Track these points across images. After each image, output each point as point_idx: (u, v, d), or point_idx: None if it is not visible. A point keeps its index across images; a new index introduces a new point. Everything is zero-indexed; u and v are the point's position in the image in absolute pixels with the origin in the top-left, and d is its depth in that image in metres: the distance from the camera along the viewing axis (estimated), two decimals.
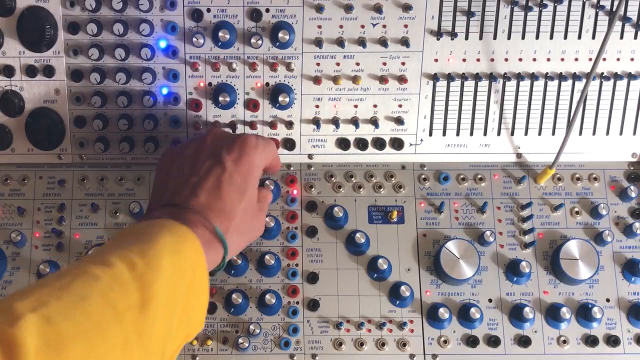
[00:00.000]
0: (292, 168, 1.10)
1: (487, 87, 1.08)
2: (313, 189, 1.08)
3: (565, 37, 1.06)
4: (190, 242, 0.81)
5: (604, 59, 1.06)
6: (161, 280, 0.75)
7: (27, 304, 0.66)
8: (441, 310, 1.01)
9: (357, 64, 1.07)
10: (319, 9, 1.04)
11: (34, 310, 0.65)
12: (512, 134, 1.10)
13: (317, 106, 1.08)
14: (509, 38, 1.06)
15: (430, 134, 1.10)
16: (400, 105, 1.09)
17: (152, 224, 0.82)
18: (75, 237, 1.05)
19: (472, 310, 1.01)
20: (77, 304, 0.69)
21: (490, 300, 1.04)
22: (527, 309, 1.01)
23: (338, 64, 1.07)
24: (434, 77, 1.07)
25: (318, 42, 1.05)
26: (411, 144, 1.10)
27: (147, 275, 0.74)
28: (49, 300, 0.68)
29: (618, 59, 1.07)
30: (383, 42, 1.05)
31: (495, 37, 1.06)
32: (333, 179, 1.09)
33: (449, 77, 1.07)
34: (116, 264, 0.74)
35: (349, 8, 1.03)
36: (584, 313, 1.03)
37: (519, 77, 1.07)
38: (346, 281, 1.04)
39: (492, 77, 1.07)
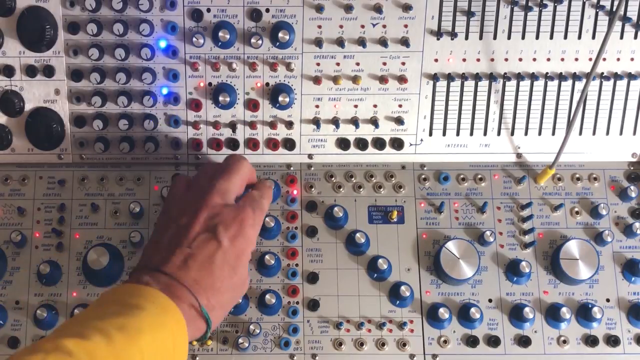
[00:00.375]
0: (292, 168, 1.10)
1: (487, 87, 1.08)
2: (313, 189, 1.08)
3: (565, 37, 1.06)
4: (173, 317, 0.80)
5: (604, 59, 1.06)
6: (139, 358, 0.74)
7: None
8: (441, 310, 1.01)
9: (357, 64, 1.07)
10: (319, 9, 1.04)
11: None
12: (512, 134, 1.10)
13: (317, 106, 1.08)
14: (509, 38, 1.06)
15: (430, 134, 1.10)
16: (400, 105, 1.09)
17: (137, 292, 0.81)
18: (75, 237, 1.05)
19: (472, 310, 1.01)
20: None
21: (490, 300, 1.04)
22: (527, 309, 1.01)
23: (338, 64, 1.07)
24: (434, 77, 1.07)
25: (318, 42, 1.05)
26: (411, 144, 1.10)
27: (125, 352, 0.73)
28: None
29: (618, 59, 1.07)
30: (383, 42, 1.05)
31: (495, 37, 1.06)
32: (333, 179, 1.09)
33: (449, 77, 1.07)
34: (93, 337, 0.72)
35: (349, 8, 1.03)
36: (584, 313, 1.03)
37: (519, 77, 1.07)
38: (346, 281, 1.04)
39: (492, 77, 1.07)
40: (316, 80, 1.07)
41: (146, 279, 0.84)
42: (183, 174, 1.07)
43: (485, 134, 1.10)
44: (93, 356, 0.71)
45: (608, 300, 1.04)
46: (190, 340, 0.84)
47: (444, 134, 1.10)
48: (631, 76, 1.07)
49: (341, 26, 1.05)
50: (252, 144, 1.09)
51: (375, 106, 1.09)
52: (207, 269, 0.86)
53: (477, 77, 1.07)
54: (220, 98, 1.05)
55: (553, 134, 1.10)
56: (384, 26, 1.05)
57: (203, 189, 0.93)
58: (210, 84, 1.07)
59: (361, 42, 1.05)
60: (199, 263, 0.86)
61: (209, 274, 0.86)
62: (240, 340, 1.00)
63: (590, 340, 1.02)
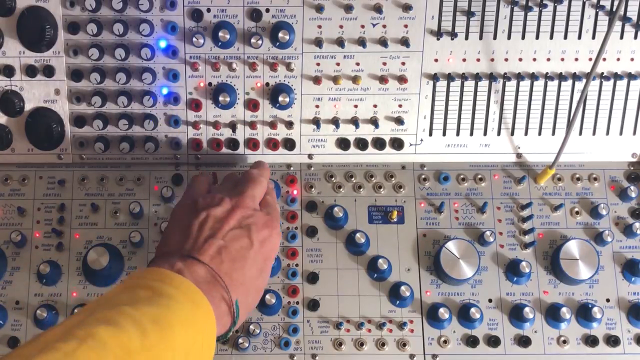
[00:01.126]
0: (292, 168, 1.10)
1: (487, 87, 1.08)
2: (313, 189, 1.08)
3: (565, 37, 1.06)
4: (205, 313, 0.78)
5: (604, 59, 1.06)
6: (173, 355, 0.72)
7: None
8: (441, 310, 1.01)
9: (357, 64, 1.07)
10: (319, 9, 1.04)
11: None
12: (512, 134, 1.10)
13: (317, 106, 1.08)
14: (509, 38, 1.06)
15: (430, 134, 1.10)
16: (400, 105, 1.09)
17: (169, 280, 0.78)
18: (75, 237, 1.05)
19: (472, 310, 1.01)
20: None
21: (490, 300, 1.04)
22: (527, 309, 1.01)
23: (338, 64, 1.07)
24: (434, 77, 1.07)
25: (318, 42, 1.05)
26: (411, 144, 1.10)
27: (158, 348, 0.71)
28: None
29: (618, 59, 1.07)
30: (383, 42, 1.05)
31: (495, 37, 1.06)
32: (333, 179, 1.09)
33: (449, 77, 1.07)
34: (127, 328, 0.69)
35: (349, 8, 1.03)
36: (584, 313, 1.03)
37: (519, 77, 1.07)
38: (346, 281, 1.04)
39: (492, 77, 1.07)
40: (316, 80, 1.07)
41: (179, 266, 0.82)
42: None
43: (485, 134, 1.10)
44: (127, 350, 0.68)
45: (608, 300, 1.04)
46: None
47: (444, 134, 1.10)
48: (631, 76, 1.07)
49: (341, 26, 1.05)
50: (252, 144, 1.09)
51: (375, 106, 1.09)
52: (240, 264, 0.86)
53: (477, 77, 1.07)
54: (220, 98, 1.05)
55: (553, 134, 1.10)
56: (384, 26, 1.05)
57: (234, 190, 0.94)
58: (210, 84, 1.07)
59: (361, 42, 1.05)
60: (231, 257, 0.85)
61: (240, 269, 0.86)
62: (240, 340, 1.00)
63: (590, 340, 1.02)
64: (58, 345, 0.65)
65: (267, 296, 1.01)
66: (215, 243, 0.86)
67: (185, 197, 0.96)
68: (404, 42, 1.05)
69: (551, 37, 1.06)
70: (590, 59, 1.07)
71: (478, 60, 1.07)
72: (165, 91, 1.07)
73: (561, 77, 1.07)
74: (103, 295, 0.79)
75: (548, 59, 1.07)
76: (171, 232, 0.91)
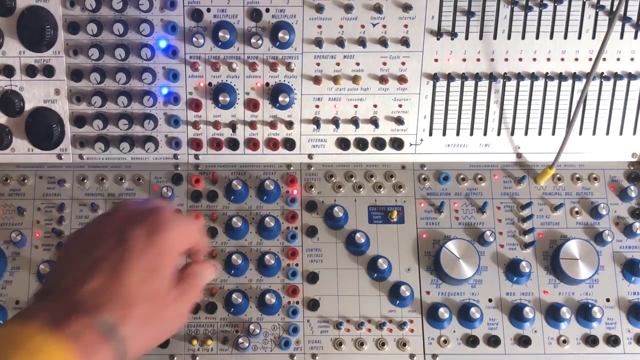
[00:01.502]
0: (292, 168, 1.10)
1: (487, 87, 1.08)
2: (313, 189, 1.08)
3: (565, 37, 1.06)
4: (47, 357, 0.64)
5: (604, 59, 1.06)
6: None
7: None
8: (441, 310, 1.01)
9: (357, 64, 1.07)
10: (319, 9, 1.04)
11: None
12: (512, 134, 1.10)
13: (317, 106, 1.08)
14: (509, 38, 1.06)
15: (430, 134, 1.10)
16: (400, 105, 1.09)
17: (4, 338, 0.65)
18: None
19: (472, 310, 1.01)
20: None
21: (490, 300, 1.04)
22: (527, 309, 1.01)
23: (338, 64, 1.07)
24: (434, 77, 1.07)
25: (318, 42, 1.05)
26: (411, 144, 1.10)
27: None
28: None
29: (618, 59, 1.07)
30: (383, 42, 1.05)
31: (495, 37, 1.06)
32: (333, 179, 1.09)
33: (449, 77, 1.07)
34: None
35: (349, 8, 1.03)
36: (584, 313, 1.03)
37: (519, 77, 1.07)
38: (346, 281, 1.04)
39: (492, 77, 1.07)
40: (316, 80, 1.07)
41: (28, 312, 0.69)
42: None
43: (485, 134, 1.10)
44: None
45: (608, 300, 1.04)
46: None
47: (444, 134, 1.10)
48: (631, 76, 1.07)
49: (341, 26, 1.05)
50: (252, 144, 1.09)
51: (375, 106, 1.09)
52: (112, 275, 0.71)
53: (477, 77, 1.07)
54: (220, 98, 1.05)
55: (553, 134, 1.10)
56: (384, 26, 1.05)
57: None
58: (210, 84, 1.07)
59: (361, 42, 1.05)
60: (102, 271, 0.71)
61: (114, 278, 0.70)
62: (240, 340, 1.00)
63: (590, 340, 1.02)
64: None
65: (267, 296, 1.01)
66: (81, 265, 0.72)
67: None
68: (404, 42, 1.05)
69: (551, 37, 1.06)
70: (590, 59, 1.07)
71: (478, 60, 1.07)
72: (165, 91, 1.07)
73: (561, 77, 1.07)
74: None
75: (548, 59, 1.07)
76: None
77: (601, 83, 1.08)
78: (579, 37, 1.06)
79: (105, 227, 0.75)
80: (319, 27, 1.05)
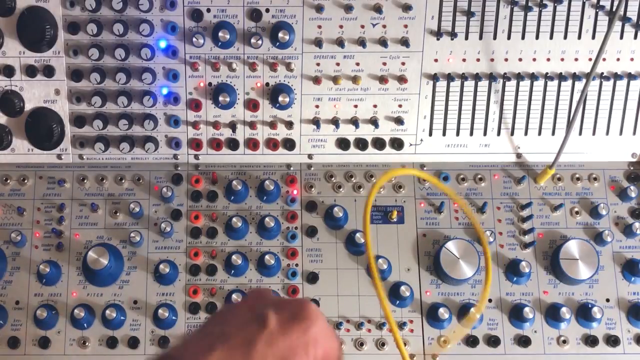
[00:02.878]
0: (292, 168, 1.10)
1: (487, 87, 1.08)
2: (313, 189, 1.08)
3: (565, 37, 1.06)
4: None
5: (604, 59, 1.06)
6: None
7: None
8: (441, 310, 1.01)
9: (357, 64, 1.07)
10: (319, 9, 1.04)
11: None
12: (512, 134, 1.10)
13: (317, 106, 1.08)
14: (509, 38, 1.06)
15: (430, 134, 1.10)
16: (400, 105, 1.09)
17: None
18: (75, 237, 1.05)
19: (472, 310, 1.01)
20: None
21: (490, 300, 1.04)
22: (527, 309, 1.01)
23: (338, 64, 1.07)
24: (434, 77, 1.07)
25: (318, 42, 1.05)
26: (411, 144, 1.10)
27: None
28: None
29: (618, 59, 1.07)
30: (383, 42, 1.05)
31: (495, 37, 1.06)
32: (333, 179, 1.09)
33: (449, 77, 1.07)
34: None
35: (349, 8, 1.03)
36: (584, 313, 1.03)
37: (519, 77, 1.07)
38: (346, 281, 1.04)
39: (492, 77, 1.07)
40: (316, 80, 1.07)
41: None
42: None
43: (485, 134, 1.10)
44: None
45: (608, 300, 1.04)
46: None
47: (444, 134, 1.10)
48: (631, 76, 1.07)
49: (341, 26, 1.05)
50: (252, 144, 1.09)
51: (375, 106, 1.09)
52: (241, 352, 0.63)
53: (477, 77, 1.07)
54: (220, 98, 1.05)
55: (553, 134, 1.10)
56: (384, 26, 1.05)
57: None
58: (210, 84, 1.07)
59: (361, 42, 1.05)
60: (230, 345, 0.63)
61: (244, 355, 0.63)
62: None
63: (590, 340, 1.02)
64: None
65: None
66: (209, 335, 0.66)
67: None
68: (404, 42, 1.05)
69: (551, 37, 1.06)
70: (590, 59, 1.07)
71: (478, 60, 1.07)
72: (165, 91, 1.07)
73: (561, 77, 1.07)
74: None
75: (548, 59, 1.07)
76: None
77: (601, 83, 1.08)
78: (579, 37, 1.06)
79: (242, 305, 0.70)
80: (319, 27, 1.05)
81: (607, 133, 1.10)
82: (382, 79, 1.07)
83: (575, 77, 1.07)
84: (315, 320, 0.66)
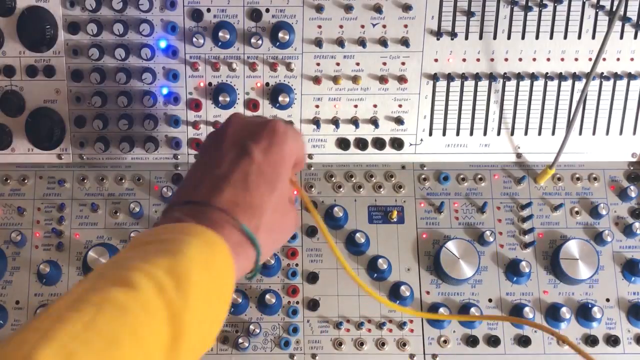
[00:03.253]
0: None
1: (487, 87, 1.08)
2: (313, 189, 1.08)
3: (565, 37, 1.06)
4: (220, 251, 0.71)
5: (604, 59, 1.06)
6: (195, 309, 0.66)
7: (52, 355, 0.55)
8: (441, 310, 1.01)
9: (357, 64, 1.07)
10: (319, 9, 1.04)
11: None
12: (512, 134, 1.10)
13: (317, 106, 1.08)
14: (509, 38, 1.06)
15: (430, 134, 1.10)
16: (400, 105, 1.09)
17: (176, 229, 0.71)
18: (75, 237, 1.05)
19: (472, 310, 1.01)
20: (107, 352, 0.58)
21: (490, 300, 1.04)
22: (527, 309, 1.01)
23: (338, 64, 1.07)
24: (434, 77, 1.07)
25: (318, 42, 1.05)
26: (411, 144, 1.10)
27: (178, 303, 0.64)
28: (77, 349, 0.57)
29: (618, 59, 1.07)
30: (383, 42, 1.05)
31: (495, 37, 1.06)
32: (333, 179, 1.09)
33: (449, 77, 1.07)
34: (142, 286, 0.63)
35: (349, 8, 1.03)
36: (584, 313, 1.03)
37: (519, 77, 1.07)
38: (346, 281, 1.04)
39: (492, 77, 1.07)
40: (316, 80, 1.07)
41: (177, 215, 0.74)
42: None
43: (485, 134, 1.10)
44: (147, 309, 0.62)
45: (608, 300, 1.04)
46: (241, 274, 0.75)
47: (444, 134, 1.10)
48: (631, 76, 1.07)
49: (341, 26, 1.05)
50: None
51: (375, 106, 1.09)
52: (242, 187, 0.76)
53: (477, 77, 1.07)
54: (220, 98, 1.05)
55: (553, 134, 1.10)
56: (384, 26, 1.05)
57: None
58: (210, 84, 1.07)
59: (361, 42, 1.05)
60: (232, 183, 0.76)
61: (244, 191, 0.76)
62: (240, 340, 1.00)
63: (590, 340, 1.02)
64: (73, 315, 0.59)
65: (267, 296, 1.01)
66: (210, 178, 0.77)
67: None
68: (404, 42, 1.05)
69: (551, 37, 1.06)
70: (590, 59, 1.07)
71: (478, 60, 1.07)
72: (165, 91, 1.07)
73: (561, 77, 1.07)
74: (110, 259, 0.72)
75: (548, 59, 1.07)
76: (174, 192, 0.86)
77: (601, 83, 1.08)
78: (579, 37, 1.06)
79: (225, 140, 0.80)
80: (319, 27, 1.05)
81: (607, 133, 1.10)
82: (382, 79, 1.07)
83: (575, 77, 1.07)
84: (284, 136, 0.80)
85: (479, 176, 1.09)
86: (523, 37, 1.06)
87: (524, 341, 1.02)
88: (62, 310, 0.60)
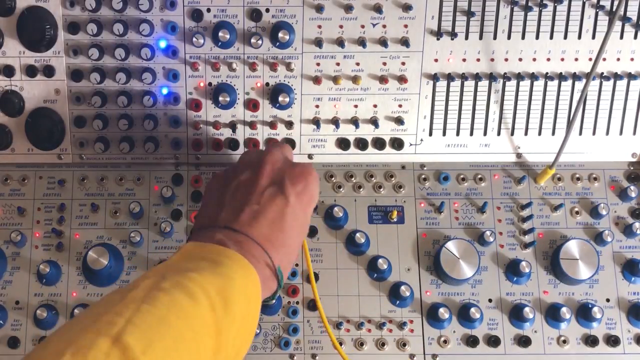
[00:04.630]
0: None
1: (487, 87, 1.08)
2: None
3: (565, 37, 1.06)
4: (254, 282, 0.78)
5: (604, 59, 1.06)
6: (233, 330, 0.73)
7: (139, 343, 0.64)
8: (441, 310, 1.01)
9: (357, 64, 1.07)
10: (319, 9, 1.04)
11: (145, 353, 0.64)
12: (512, 134, 1.10)
13: (317, 106, 1.08)
14: (509, 38, 1.06)
15: (430, 134, 1.10)
16: (400, 105, 1.09)
17: (223, 253, 0.78)
18: (75, 237, 1.05)
19: (472, 310, 1.01)
20: (177, 346, 0.67)
21: (490, 300, 1.04)
22: (527, 309, 1.01)
23: (338, 64, 1.07)
24: (434, 77, 1.07)
25: (318, 42, 1.05)
26: (411, 144, 1.10)
27: (223, 322, 0.72)
28: (154, 338, 0.65)
29: (618, 59, 1.07)
30: (383, 42, 1.05)
31: (495, 37, 1.06)
32: (333, 179, 1.09)
33: (449, 77, 1.07)
34: (201, 300, 0.71)
35: (349, 8, 1.03)
36: (584, 313, 1.03)
37: (519, 77, 1.07)
38: (346, 281, 1.04)
39: (492, 77, 1.07)
40: (316, 80, 1.07)
41: (219, 237, 0.81)
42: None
43: (485, 134, 1.10)
44: (203, 320, 0.70)
45: (608, 300, 1.04)
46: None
47: (444, 134, 1.10)
48: (631, 76, 1.07)
49: (341, 26, 1.05)
50: (252, 144, 1.09)
51: (375, 106, 1.09)
52: (278, 226, 0.83)
53: (477, 77, 1.07)
54: (220, 98, 1.05)
55: (553, 134, 1.10)
56: (384, 26, 1.05)
57: (260, 154, 0.92)
58: (210, 84, 1.07)
59: (361, 42, 1.05)
60: (269, 219, 0.83)
61: (280, 230, 0.83)
62: None
63: (590, 340, 1.02)
64: (150, 309, 0.67)
65: None
66: (250, 209, 0.84)
67: (214, 179, 0.94)
68: (404, 42, 1.05)
69: (551, 37, 1.06)
70: (590, 59, 1.07)
71: (478, 60, 1.07)
72: (165, 91, 1.07)
73: (561, 77, 1.07)
74: (165, 262, 0.79)
75: (548, 59, 1.07)
76: (207, 205, 0.90)
77: (601, 83, 1.08)
78: (579, 37, 1.06)
79: (263, 173, 0.86)
80: (319, 27, 1.05)
81: (607, 133, 1.10)
82: (382, 79, 1.07)
83: (575, 77, 1.07)
84: (315, 182, 0.89)
85: (479, 176, 1.09)
86: (523, 37, 1.06)
87: (524, 341, 1.02)
88: (138, 302, 0.68)
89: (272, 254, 0.82)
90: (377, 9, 1.03)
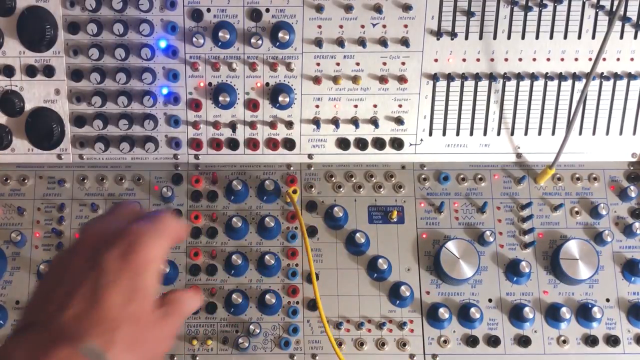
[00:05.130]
0: (292, 168, 1.10)
1: (487, 87, 1.08)
2: (313, 189, 1.08)
3: (565, 37, 1.06)
4: None
5: (604, 59, 1.06)
6: None
7: None
8: (441, 310, 1.01)
9: (357, 64, 1.07)
10: (319, 9, 1.04)
11: None
12: (512, 134, 1.10)
13: (317, 106, 1.08)
14: (509, 38, 1.06)
15: (430, 134, 1.10)
16: (400, 105, 1.09)
17: None
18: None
19: (472, 310, 1.01)
20: None
21: (490, 300, 1.04)
22: (527, 309, 1.01)
23: (338, 64, 1.07)
24: (434, 77, 1.07)
25: (318, 42, 1.05)
26: (411, 144, 1.10)
27: None
28: None
29: (618, 59, 1.07)
30: (383, 42, 1.05)
31: (495, 37, 1.06)
32: (333, 179, 1.09)
33: (449, 77, 1.07)
34: None
35: (349, 8, 1.03)
36: (584, 313, 1.03)
37: (519, 77, 1.07)
38: (346, 281, 1.04)
39: (492, 77, 1.07)
40: (316, 80, 1.07)
41: (10, 348, 0.65)
42: None
43: (485, 134, 1.10)
44: None
45: (608, 300, 1.04)
46: None
47: (444, 134, 1.10)
48: (631, 76, 1.07)
49: (341, 26, 1.05)
50: (252, 144, 1.09)
51: (375, 106, 1.09)
52: (91, 300, 0.66)
53: (477, 77, 1.07)
54: (220, 98, 1.05)
55: (553, 134, 1.10)
56: (384, 26, 1.05)
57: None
58: (210, 84, 1.07)
59: (361, 42, 1.05)
60: (79, 298, 0.66)
61: (94, 304, 0.66)
62: (240, 340, 1.00)
63: (590, 340, 1.02)
64: None
65: (267, 296, 1.01)
66: (57, 295, 0.68)
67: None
68: (404, 42, 1.05)
69: (551, 37, 1.06)
70: (590, 59, 1.07)
71: (478, 60, 1.07)
72: (165, 91, 1.07)
73: (561, 77, 1.07)
74: None
75: (548, 59, 1.07)
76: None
77: (601, 83, 1.08)
78: (579, 37, 1.06)
79: (77, 253, 0.71)
80: (319, 27, 1.05)
81: (607, 133, 1.10)
82: (382, 79, 1.07)
83: (575, 77, 1.07)
84: (144, 239, 0.70)
85: (479, 176, 1.09)
86: (523, 37, 1.06)
87: (524, 341, 1.02)
88: None
89: (84, 333, 0.65)
90: (377, 9, 1.03)
